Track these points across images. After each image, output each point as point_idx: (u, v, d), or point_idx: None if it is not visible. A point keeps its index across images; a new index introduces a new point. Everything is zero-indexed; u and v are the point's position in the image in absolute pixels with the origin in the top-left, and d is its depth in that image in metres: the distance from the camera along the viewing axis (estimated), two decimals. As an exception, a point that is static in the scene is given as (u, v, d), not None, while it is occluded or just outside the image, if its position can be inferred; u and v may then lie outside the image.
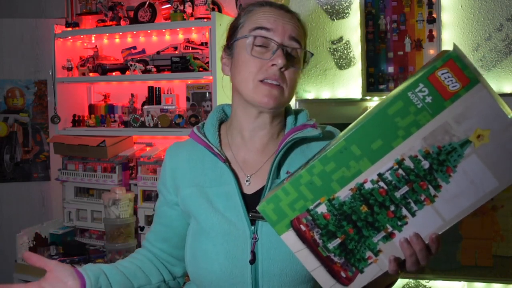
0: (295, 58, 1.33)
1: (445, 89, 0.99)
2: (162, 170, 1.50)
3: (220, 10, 3.11)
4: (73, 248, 3.09)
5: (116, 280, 1.38)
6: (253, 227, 1.30)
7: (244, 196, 1.34)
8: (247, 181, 1.37)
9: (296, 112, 1.44)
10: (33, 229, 3.15)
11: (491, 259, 2.64)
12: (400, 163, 1.03)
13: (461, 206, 1.03)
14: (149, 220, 3.04)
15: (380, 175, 1.04)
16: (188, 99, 3.10)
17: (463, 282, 2.71)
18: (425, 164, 1.02)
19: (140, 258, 1.50)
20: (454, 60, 0.97)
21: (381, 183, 1.04)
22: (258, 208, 1.11)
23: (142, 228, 3.05)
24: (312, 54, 1.40)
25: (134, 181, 3.15)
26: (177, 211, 1.46)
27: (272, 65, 1.29)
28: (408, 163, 1.02)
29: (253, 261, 1.28)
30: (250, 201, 1.33)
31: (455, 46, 1.03)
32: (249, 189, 1.36)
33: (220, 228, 1.32)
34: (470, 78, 0.98)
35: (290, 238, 1.09)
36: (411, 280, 2.83)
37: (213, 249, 1.31)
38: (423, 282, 2.80)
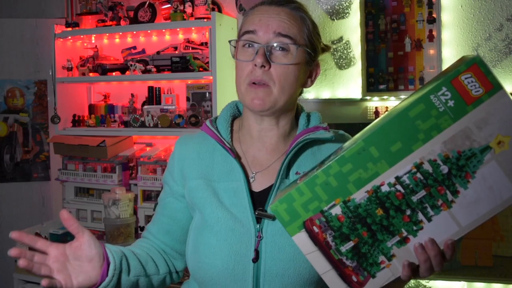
0: (285, 54, 1.29)
1: (468, 94, 0.98)
2: (170, 160, 1.48)
3: (220, 10, 3.11)
4: (73, 248, 3.07)
5: (133, 265, 1.35)
6: (258, 225, 1.29)
7: (251, 193, 1.33)
8: (251, 177, 1.36)
9: (308, 114, 1.43)
10: (33, 229, 3.13)
11: (491, 259, 2.64)
12: (418, 166, 1.01)
13: (478, 213, 1.02)
14: (149, 220, 3.01)
15: (397, 178, 1.02)
16: (188, 99, 3.10)
17: (463, 282, 2.71)
18: (444, 168, 1.01)
19: (149, 247, 1.47)
20: (479, 65, 0.97)
21: (398, 187, 1.02)
22: (270, 207, 1.08)
23: (142, 228, 3.04)
24: (299, 46, 1.31)
25: (134, 181, 3.16)
26: (182, 203, 1.44)
27: (255, 65, 1.28)
28: (427, 167, 1.01)
29: (256, 259, 1.27)
30: (257, 199, 1.32)
31: (477, 52, 1.03)
32: (256, 187, 1.35)
33: (224, 224, 1.30)
34: (493, 84, 0.97)
35: (302, 239, 1.07)
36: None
37: (216, 244, 1.29)
38: (423, 282, 2.81)
